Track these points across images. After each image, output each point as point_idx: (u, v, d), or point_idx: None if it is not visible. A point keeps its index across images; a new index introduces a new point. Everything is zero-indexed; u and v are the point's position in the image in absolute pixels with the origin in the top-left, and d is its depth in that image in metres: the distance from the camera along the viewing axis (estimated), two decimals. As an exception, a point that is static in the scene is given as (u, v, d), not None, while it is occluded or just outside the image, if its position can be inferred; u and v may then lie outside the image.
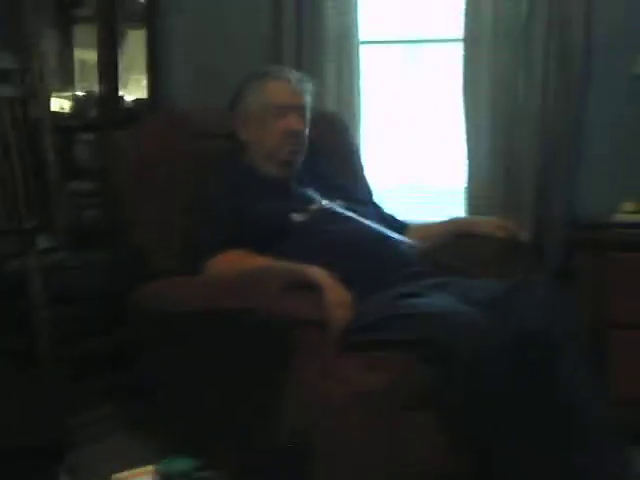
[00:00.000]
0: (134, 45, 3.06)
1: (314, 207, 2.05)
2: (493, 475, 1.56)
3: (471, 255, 2.12)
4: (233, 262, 1.87)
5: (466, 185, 2.72)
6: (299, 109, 2.13)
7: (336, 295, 1.68)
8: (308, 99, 2.16)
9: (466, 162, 2.70)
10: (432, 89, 2.90)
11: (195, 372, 1.83)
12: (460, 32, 2.68)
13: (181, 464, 0.86)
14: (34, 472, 1.13)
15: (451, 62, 2.77)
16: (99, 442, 1.83)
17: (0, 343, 2.29)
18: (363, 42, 2.83)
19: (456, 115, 2.72)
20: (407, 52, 3.00)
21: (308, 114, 2.16)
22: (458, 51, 2.70)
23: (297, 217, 2.01)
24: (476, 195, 2.68)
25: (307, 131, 2.14)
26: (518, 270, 2.00)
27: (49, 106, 2.67)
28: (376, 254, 1.96)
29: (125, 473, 1.03)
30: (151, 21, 3.02)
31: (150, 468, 0.96)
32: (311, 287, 1.66)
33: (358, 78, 2.81)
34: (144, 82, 3.06)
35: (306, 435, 1.56)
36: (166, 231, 2.06)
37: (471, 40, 2.66)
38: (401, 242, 2.08)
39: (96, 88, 3.01)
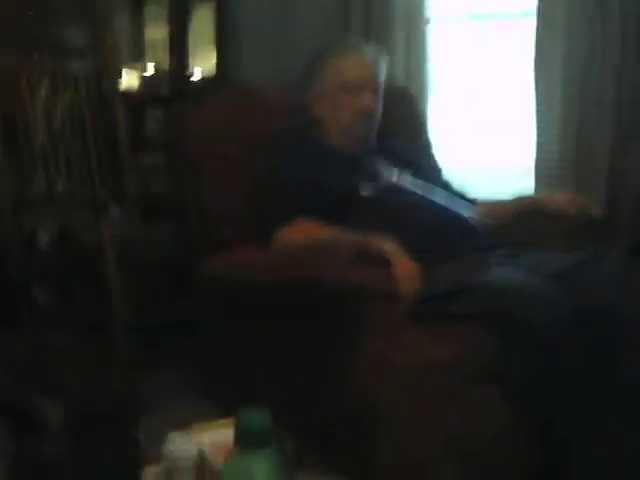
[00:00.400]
0: (203, 20, 3.09)
1: (383, 181, 2.06)
2: (557, 448, 1.55)
3: (542, 231, 2.09)
4: (302, 233, 1.88)
5: (537, 162, 2.67)
6: (373, 86, 2.12)
7: (405, 266, 1.68)
8: (382, 75, 2.16)
9: (537, 139, 2.65)
10: (502, 65, 2.85)
11: (263, 342, 1.87)
12: (533, 7, 2.62)
13: (258, 418, 0.87)
14: (115, 437, 1.17)
15: (523, 38, 2.71)
16: (167, 409, 1.88)
17: (74, 312, 2.38)
18: (433, 18, 2.79)
19: (526, 91, 2.68)
20: (477, 27, 2.96)
21: (381, 91, 2.15)
22: (530, 27, 2.64)
23: (366, 190, 2.02)
24: (547, 172, 2.62)
25: (380, 108, 2.14)
26: (589, 246, 1.97)
27: (120, 82, 2.73)
28: (444, 228, 1.96)
29: (199, 425, 1.06)
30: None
31: (226, 421, 0.98)
32: (380, 258, 1.67)
33: (427, 54, 2.78)
34: (213, 57, 3.09)
35: (372, 405, 1.58)
36: (235, 203, 2.09)
37: (544, 16, 2.60)
38: (470, 217, 2.06)
39: (166, 63, 3.06)
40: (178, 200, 2.35)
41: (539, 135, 2.64)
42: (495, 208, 2.25)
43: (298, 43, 2.88)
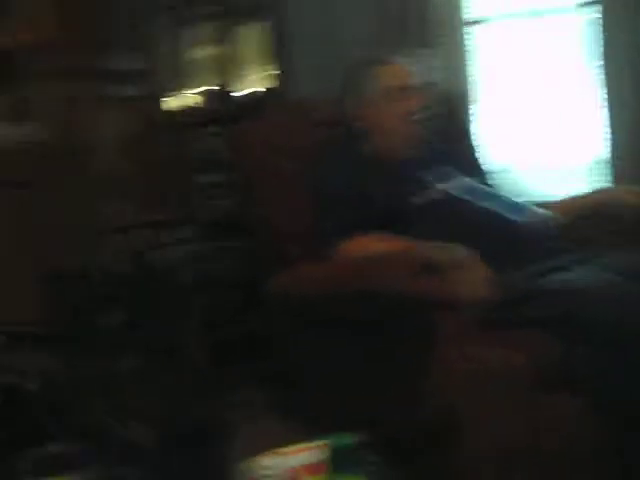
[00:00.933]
0: (250, 39, 3.14)
1: (434, 188, 2.04)
2: (633, 450, 1.53)
3: (613, 227, 2.05)
4: (365, 246, 1.89)
5: (607, 157, 2.61)
6: (417, 91, 2.10)
7: (476, 273, 1.66)
8: (426, 81, 2.15)
9: (608, 132, 2.59)
10: (556, 60, 2.81)
11: (334, 355, 1.88)
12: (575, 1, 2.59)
13: (346, 440, 0.89)
14: (202, 458, 1.19)
15: (578, 30, 2.68)
16: (247, 425, 1.90)
17: (147, 331, 2.43)
18: (473, 20, 2.78)
19: (585, 85, 2.64)
20: (527, 24, 2.93)
21: (426, 97, 2.13)
22: (584, 18, 2.61)
23: (417, 199, 2.01)
24: (618, 167, 2.58)
25: (425, 114, 2.12)
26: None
27: (176, 104, 2.79)
28: (505, 232, 1.93)
29: (289, 448, 1.07)
30: (267, 14, 3.08)
31: (317, 443, 0.99)
32: (447, 265, 1.65)
33: (468, 56, 2.77)
34: (263, 74, 3.12)
35: (448, 414, 1.58)
36: (296, 218, 2.11)
37: (608, 7, 2.55)
38: (534, 219, 2.04)
39: (218, 83, 3.11)
40: (243, 218, 2.38)
41: (611, 128, 2.58)
42: (563, 205, 2.19)
43: (345, 56, 2.90)
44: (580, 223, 2.09)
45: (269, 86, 3.09)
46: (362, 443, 0.92)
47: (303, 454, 1.05)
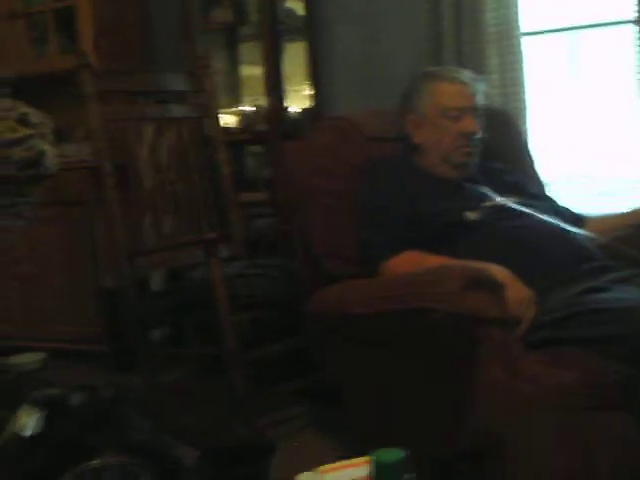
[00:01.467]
0: (295, 57, 3.16)
1: (488, 204, 2.02)
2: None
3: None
4: (410, 263, 1.88)
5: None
6: (473, 110, 2.10)
7: (518, 292, 1.66)
8: (481, 99, 2.13)
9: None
10: (602, 75, 2.79)
11: (378, 372, 1.86)
12: (632, 14, 2.55)
13: (394, 454, 0.87)
14: (245, 477, 1.19)
15: (620, 46, 2.64)
16: (287, 442, 1.89)
17: (189, 349, 2.44)
18: (526, 33, 2.77)
19: (631, 100, 2.59)
20: (574, 39, 2.90)
21: (482, 114, 2.13)
22: (627, 34, 2.57)
23: (471, 215, 1.99)
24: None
25: (481, 132, 2.11)
26: None
27: (220, 123, 2.81)
28: (555, 249, 1.90)
29: (335, 464, 1.05)
30: (311, 33, 3.11)
31: (364, 459, 0.98)
32: (492, 285, 1.64)
33: (522, 71, 2.74)
34: (306, 93, 3.14)
35: (493, 433, 1.55)
36: (340, 236, 2.10)
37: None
38: (580, 235, 2.01)
39: (262, 102, 3.14)
40: (284, 236, 2.38)
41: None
42: (605, 222, 2.17)
43: (390, 71, 2.91)
44: (620, 241, 2.04)
45: (313, 104, 3.11)
46: (405, 460, 0.90)
47: (346, 471, 1.04)
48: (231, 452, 1.12)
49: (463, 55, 2.77)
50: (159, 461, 1.05)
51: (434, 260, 1.86)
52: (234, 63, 3.35)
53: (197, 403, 1.82)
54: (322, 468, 1.05)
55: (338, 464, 1.05)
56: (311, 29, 3.09)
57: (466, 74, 2.17)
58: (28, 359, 1.87)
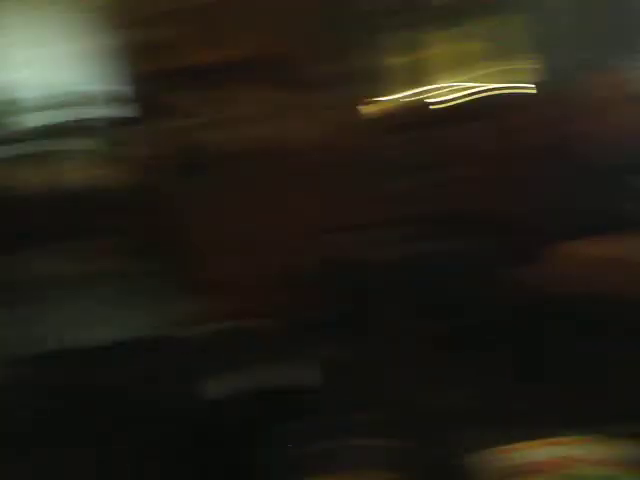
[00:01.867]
0: (442, 46, 3.17)
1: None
2: None
3: None
4: (589, 248, 1.94)
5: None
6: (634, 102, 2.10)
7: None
8: None
9: None
10: None
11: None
12: None
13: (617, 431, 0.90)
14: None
15: None
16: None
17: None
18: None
19: None
20: None
21: None
22: None
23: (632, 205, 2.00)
24: None
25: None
26: None
27: (369, 111, 2.88)
28: None
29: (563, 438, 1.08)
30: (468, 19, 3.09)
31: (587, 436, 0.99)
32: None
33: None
34: (460, 81, 3.14)
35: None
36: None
37: None
38: None
39: (409, 91, 3.18)
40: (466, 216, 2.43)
41: None
42: None
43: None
44: None
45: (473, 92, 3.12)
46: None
47: (579, 445, 1.09)
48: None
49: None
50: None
51: (617, 246, 1.94)
52: (389, 50, 3.39)
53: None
54: (553, 440, 1.09)
55: (570, 438, 1.09)
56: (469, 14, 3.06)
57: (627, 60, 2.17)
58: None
